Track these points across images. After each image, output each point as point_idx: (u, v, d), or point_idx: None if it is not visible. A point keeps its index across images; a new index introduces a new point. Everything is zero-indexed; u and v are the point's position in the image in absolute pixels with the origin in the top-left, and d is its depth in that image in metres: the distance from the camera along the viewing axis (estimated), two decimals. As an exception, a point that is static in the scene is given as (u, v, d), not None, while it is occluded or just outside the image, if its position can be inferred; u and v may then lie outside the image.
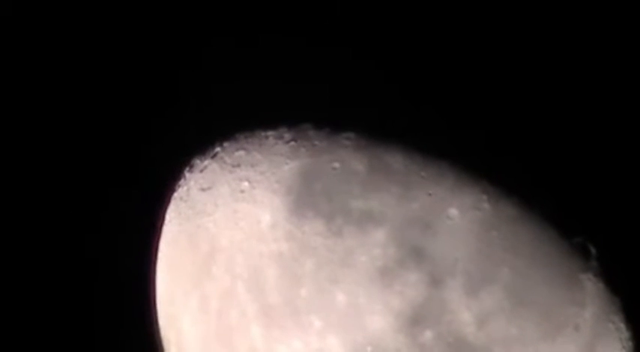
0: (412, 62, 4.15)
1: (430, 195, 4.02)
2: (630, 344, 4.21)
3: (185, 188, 4.59)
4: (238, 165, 4.35)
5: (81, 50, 5.33)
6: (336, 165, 4.12)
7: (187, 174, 4.58)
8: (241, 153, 4.35)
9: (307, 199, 4.16)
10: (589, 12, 4.23)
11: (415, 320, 4.02)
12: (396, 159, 4.06)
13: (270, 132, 4.30)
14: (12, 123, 5.51)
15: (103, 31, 5.33)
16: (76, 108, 5.29)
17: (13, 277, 5.63)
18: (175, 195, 4.65)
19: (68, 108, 5.36)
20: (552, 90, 4.14)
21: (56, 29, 5.38)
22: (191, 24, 4.85)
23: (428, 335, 4.01)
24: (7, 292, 5.65)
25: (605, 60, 4.21)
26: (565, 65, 4.18)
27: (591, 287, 4.09)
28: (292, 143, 4.22)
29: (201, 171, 4.50)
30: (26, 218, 5.61)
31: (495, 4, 4.18)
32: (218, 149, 4.45)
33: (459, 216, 4.02)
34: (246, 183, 4.30)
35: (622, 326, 4.17)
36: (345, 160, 4.12)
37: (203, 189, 4.48)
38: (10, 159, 5.57)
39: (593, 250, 4.07)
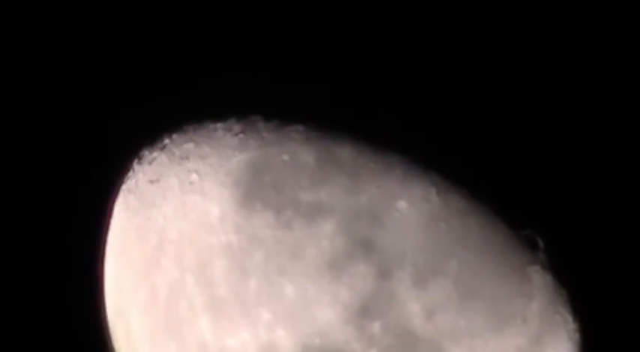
0: (363, 53, 4.14)
1: (379, 187, 4.03)
2: (577, 335, 4.26)
3: (134, 180, 4.56)
4: (187, 157, 4.35)
5: (31, 40, 5.28)
6: (285, 157, 4.13)
7: (136, 166, 4.55)
8: (190, 145, 4.35)
9: (256, 191, 4.15)
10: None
11: (363, 312, 4.02)
12: (344, 152, 4.07)
13: (219, 124, 4.29)
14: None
15: (59, 18, 5.25)
16: (21, 99, 5.28)
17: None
18: (124, 186, 4.63)
19: (13, 97, 5.32)
20: (498, 83, 4.15)
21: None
22: (143, 14, 4.79)
23: (376, 326, 4.02)
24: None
25: (549, 50, 4.25)
26: (512, 57, 4.20)
27: (539, 279, 4.14)
28: (241, 135, 4.22)
29: (150, 163, 4.48)
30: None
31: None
32: (167, 141, 4.44)
33: (407, 208, 4.02)
34: (194, 176, 4.29)
35: (569, 318, 4.23)
36: (294, 152, 4.12)
37: (152, 181, 4.46)
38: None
39: (540, 243, 4.11)
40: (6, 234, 5.38)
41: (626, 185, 4.31)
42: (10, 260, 5.39)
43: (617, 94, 4.34)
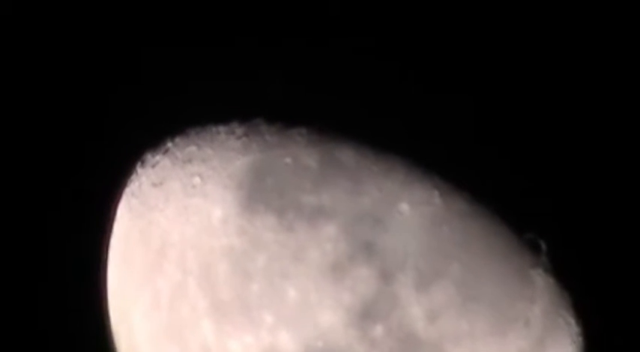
0: (366, 57, 4.14)
1: (381, 190, 4.02)
2: (580, 339, 4.24)
3: (137, 183, 4.57)
4: (190, 161, 4.34)
5: (32, 41, 5.32)
6: (288, 160, 4.11)
7: (139, 170, 4.56)
8: (193, 148, 4.35)
9: (259, 194, 4.14)
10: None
11: (366, 315, 4.01)
12: (347, 155, 4.06)
13: (221, 128, 4.28)
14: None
15: (58, 19, 5.30)
16: (24, 101, 5.29)
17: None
18: (127, 190, 4.63)
19: (17, 98, 5.34)
20: (502, 85, 4.14)
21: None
22: (146, 17, 4.82)
23: (378, 330, 4.01)
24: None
25: (554, 54, 4.23)
26: (515, 59, 4.18)
27: (541, 282, 4.11)
28: (244, 138, 4.21)
29: (153, 166, 4.48)
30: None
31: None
32: (170, 144, 4.44)
33: (409, 210, 4.01)
34: (197, 179, 4.29)
35: (572, 321, 4.19)
36: (297, 155, 4.11)
37: (154, 185, 4.46)
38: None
39: (543, 246, 4.09)
40: (8, 237, 5.38)
41: (629, 188, 4.28)
42: (12, 263, 5.40)
43: (620, 96, 4.32)
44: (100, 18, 5.07)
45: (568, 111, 4.20)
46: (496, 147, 4.08)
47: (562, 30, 4.25)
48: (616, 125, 4.31)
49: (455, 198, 4.03)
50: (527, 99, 4.15)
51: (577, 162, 4.18)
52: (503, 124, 4.11)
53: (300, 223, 4.06)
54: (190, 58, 4.46)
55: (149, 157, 4.52)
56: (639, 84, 4.32)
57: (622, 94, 4.33)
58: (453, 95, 4.09)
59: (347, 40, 4.18)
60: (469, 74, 4.14)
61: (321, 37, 4.21)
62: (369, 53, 4.15)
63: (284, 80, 4.17)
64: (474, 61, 4.15)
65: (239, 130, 4.24)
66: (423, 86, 4.09)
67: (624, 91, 4.34)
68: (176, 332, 4.37)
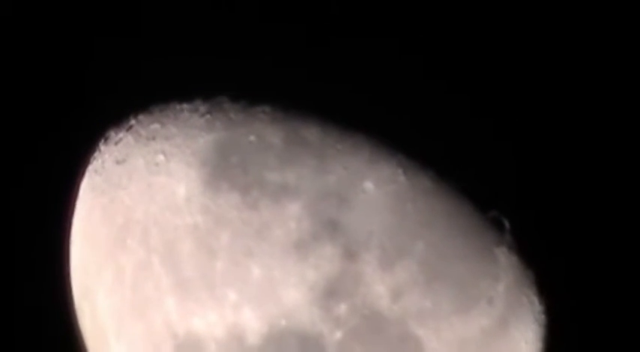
0: (330, 32, 4.17)
1: (346, 168, 4.04)
2: (543, 317, 4.27)
3: (100, 161, 4.58)
4: (153, 138, 4.36)
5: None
6: (252, 138, 4.14)
7: (102, 147, 4.57)
8: (156, 125, 4.36)
9: (223, 172, 4.17)
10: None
11: (330, 293, 4.05)
12: (311, 132, 4.09)
13: (185, 105, 4.30)
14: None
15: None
16: None
17: None
18: (90, 167, 4.64)
19: None
20: (464, 65, 4.17)
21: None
22: None
23: (343, 307, 4.04)
24: None
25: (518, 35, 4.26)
26: (480, 40, 4.20)
27: (505, 260, 4.14)
28: (207, 116, 4.24)
29: (116, 143, 4.49)
30: None
31: None
32: (133, 122, 4.44)
33: (374, 189, 4.04)
34: (161, 156, 4.31)
35: (535, 299, 4.22)
36: (261, 133, 4.13)
37: (118, 162, 4.47)
38: None
39: (507, 224, 4.11)
40: None
41: (592, 165, 4.31)
42: None
43: (579, 74, 4.35)
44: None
45: (529, 86, 4.23)
46: (460, 125, 4.10)
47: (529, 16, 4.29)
48: (577, 101, 4.33)
49: (419, 176, 4.05)
50: (490, 76, 4.17)
51: (541, 139, 4.20)
52: (467, 102, 4.13)
53: (265, 201, 4.08)
54: (154, 35, 4.47)
55: (112, 134, 4.52)
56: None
57: (578, 68, 4.36)
58: (419, 72, 4.10)
59: (312, 16, 4.19)
60: (435, 51, 4.16)
61: (286, 15, 4.22)
62: (335, 31, 4.16)
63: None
64: (439, 37, 4.16)
65: (203, 108, 4.26)
66: (388, 63, 4.11)
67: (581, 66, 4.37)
68: (140, 309, 4.39)
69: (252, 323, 4.13)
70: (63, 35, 4.96)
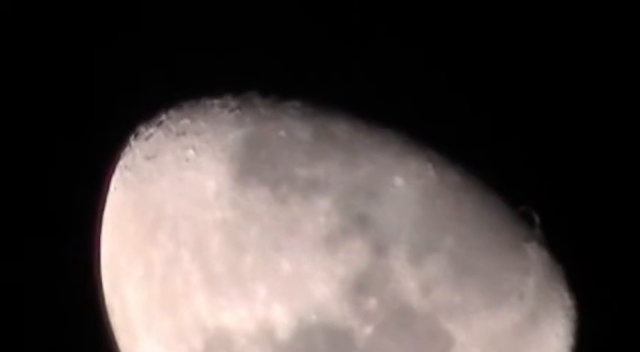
0: (360, 29, 4.16)
1: (375, 163, 4.06)
2: (573, 312, 4.28)
3: (130, 156, 4.59)
4: (183, 133, 4.36)
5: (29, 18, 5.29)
6: (282, 133, 4.14)
7: (132, 143, 4.57)
8: (186, 121, 4.36)
9: (252, 167, 4.17)
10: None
11: (360, 288, 4.05)
12: (341, 128, 4.10)
13: (215, 101, 4.31)
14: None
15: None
16: (19, 75, 5.28)
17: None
18: (120, 163, 4.65)
19: (11, 74, 5.31)
20: (496, 58, 4.16)
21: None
22: None
23: (372, 302, 4.05)
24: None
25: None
26: (505, 37, 4.21)
27: (535, 255, 4.16)
28: (237, 111, 4.24)
29: (147, 139, 4.50)
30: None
31: None
32: (163, 117, 4.45)
33: (403, 184, 4.05)
34: (191, 151, 4.32)
35: (565, 294, 4.24)
36: (291, 128, 4.14)
37: (148, 158, 4.48)
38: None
39: (537, 219, 4.12)
40: (2, 210, 5.40)
41: (623, 162, 4.31)
42: (6, 236, 5.40)
43: (610, 74, 4.34)
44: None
45: (560, 84, 4.22)
46: (490, 120, 4.10)
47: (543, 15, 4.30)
48: (608, 101, 4.32)
49: (449, 171, 4.07)
50: (520, 73, 4.17)
51: (571, 134, 4.20)
52: (497, 98, 4.13)
53: (294, 196, 4.09)
54: (185, 30, 4.47)
55: (142, 130, 4.53)
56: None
57: (604, 68, 4.35)
58: (448, 69, 4.11)
59: (340, 16, 4.20)
60: (463, 48, 4.16)
61: (314, 12, 4.21)
62: (364, 29, 4.17)
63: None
64: (468, 35, 4.17)
65: (233, 103, 4.26)
66: (418, 61, 4.11)
67: (612, 70, 4.36)
68: (169, 304, 4.41)
69: (282, 318, 4.13)
70: (95, 31, 4.97)
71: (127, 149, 4.60)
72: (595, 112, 4.26)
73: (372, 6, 4.18)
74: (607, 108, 4.31)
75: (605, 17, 4.33)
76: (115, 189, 4.70)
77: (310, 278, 4.08)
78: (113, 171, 4.69)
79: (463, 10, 4.18)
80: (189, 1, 4.49)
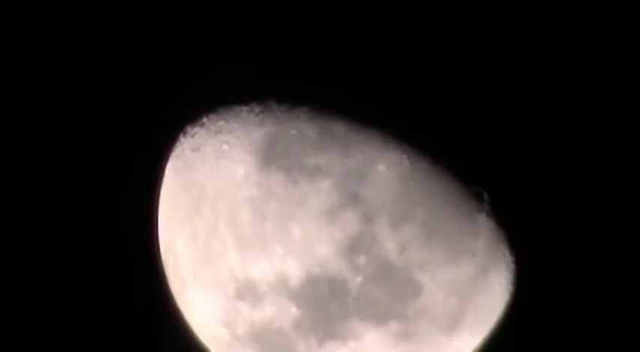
0: (350, 50, 4.46)
1: (364, 154, 4.38)
2: (513, 266, 4.71)
3: (180, 149, 4.88)
4: (220, 132, 4.66)
5: (82, 27, 5.45)
6: (294, 131, 4.47)
7: (181, 139, 4.88)
8: (222, 122, 4.67)
9: (272, 157, 4.47)
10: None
11: (352, 248, 4.42)
12: (338, 127, 4.42)
13: (244, 107, 4.62)
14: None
15: (103, 4, 5.41)
16: (89, 79, 5.47)
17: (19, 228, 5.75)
18: (172, 154, 4.94)
19: (80, 75, 5.49)
20: (455, 67, 4.46)
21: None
22: (187, 9, 5.08)
23: (362, 259, 4.42)
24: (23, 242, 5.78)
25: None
26: (464, 36, 4.51)
27: (484, 223, 4.55)
28: (261, 115, 4.55)
29: (192, 136, 4.81)
30: (45, 174, 5.72)
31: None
32: (205, 119, 4.76)
33: (385, 169, 4.39)
34: (226, 146, 4.61)
35: (507, 253, 4.65)
36: (301, 128, 4.46)
37: (193, 150, 4.79)
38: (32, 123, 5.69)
39: (486, 196, 4.53)
40: (77, 190, 5.68)
41: (558, 144, 4.63)
42: (81, 209, 5.71)
43: (551, 54, 4.61)
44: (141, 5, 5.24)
45: (510, 77, 4.51)
46: (450, 122, 4.44)
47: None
48: (552, 83, 4.61)
49: (419, 160, 4.39)
50: (471, 76, 4.45)
51: (510, 132, 4.54)
52: (453, 105, 4.46)
53: (303, 178, 4.41)
54: (221, 53, 4.74)
55: (189, 129, 4.84)
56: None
57: (556, 54, 4.63)
58: (419, 90, 4.42)
59: (341, 42, 4.48)
60: (430, 58, 4.42)
61: (320, 40, 4.50)
62: (357, 53, 4.44)
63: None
64: (429, 43, 4.43)
65: (257, 109, 4.57)
66: (396, 83, 4.42)
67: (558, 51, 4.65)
68: (210, 260, 4.68)
69: (295, 270, 4.48)
70: (153, 44, 5.20)
71: (178, 144, 4.89)
72: (534, 100, 4.55)
73: (365, 34, 4.45)
74: (549, 93, 4.59)
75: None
76: (169, 173, 4.99)
77: (316, 241, 4.42)
78: (167, 159, 4.98)
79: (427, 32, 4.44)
80: (224, 31, 4.76)
